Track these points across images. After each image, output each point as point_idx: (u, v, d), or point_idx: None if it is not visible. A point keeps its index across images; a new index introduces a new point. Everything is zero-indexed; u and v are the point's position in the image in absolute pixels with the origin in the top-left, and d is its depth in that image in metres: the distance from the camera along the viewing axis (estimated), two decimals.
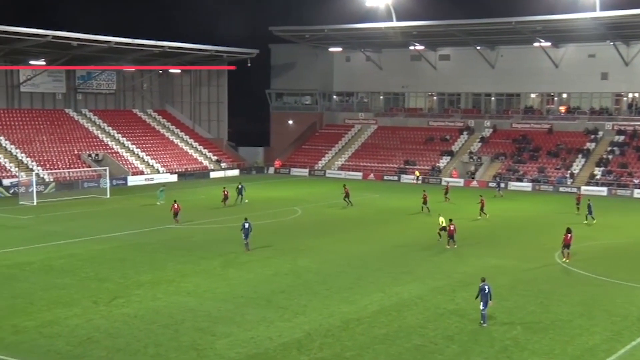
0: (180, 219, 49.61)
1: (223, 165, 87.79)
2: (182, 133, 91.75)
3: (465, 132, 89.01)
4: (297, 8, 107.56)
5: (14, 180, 65.93)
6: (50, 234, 45.24)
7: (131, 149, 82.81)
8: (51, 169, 71.59)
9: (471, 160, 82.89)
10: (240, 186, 61.47)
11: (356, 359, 23.47)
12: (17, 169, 69.00)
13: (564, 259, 38.34)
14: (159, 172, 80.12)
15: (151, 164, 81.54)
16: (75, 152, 77.21)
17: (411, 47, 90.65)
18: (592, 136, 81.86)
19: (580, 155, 79.14)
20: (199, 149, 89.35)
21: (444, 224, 43.20)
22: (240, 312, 28.10)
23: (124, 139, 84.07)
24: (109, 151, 79.67)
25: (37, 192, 60.61)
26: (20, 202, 59.47)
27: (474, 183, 77.96)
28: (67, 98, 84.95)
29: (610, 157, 77.71)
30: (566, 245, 38.36)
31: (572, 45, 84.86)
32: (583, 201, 55.35)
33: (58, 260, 37.22)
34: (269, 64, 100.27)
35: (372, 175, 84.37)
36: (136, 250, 40.38)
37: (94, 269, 35.41)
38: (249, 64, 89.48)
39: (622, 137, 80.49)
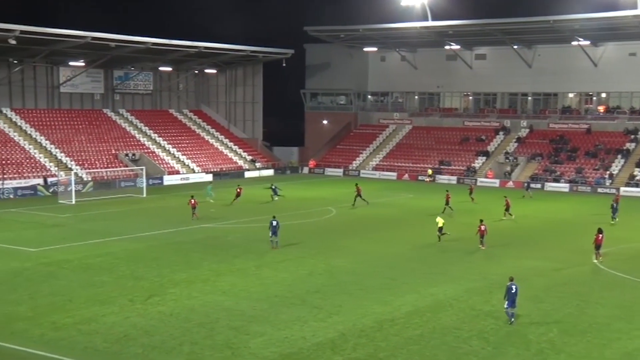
0: (198, 213, 50.85)
1: (258, 165, 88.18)
2: (218, 133, 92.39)
3: (501, 132, 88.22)
4: (332, 8, 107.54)
5: (54, 179, 67.01)
6: (88, 232, 45.86)
7: (167, 148, 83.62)
8: (89, 169, 72.59)
9: (507, 160, 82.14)
10: (273, 187, 62.39)
11: (390, 359, 23.43)
12: (56, 168, 70.09)
13: (595, 260, 38.11)
14: (194, 172, 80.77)
15: (187, 163, 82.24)
16: (113, 151, 78.20)
17: (447, 47, 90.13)
18: (632, 136, 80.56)
19: (619, 156, 77.94)
20: (234, 149, 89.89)
21: (440, 225, 43.39)
22: (275, 312, 28.20)
23: (160, 138, 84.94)
24: (146, 151, 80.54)
25: (75, 191, 61.45)
26: (59, 201, 60.40)
27: (510, 184, 77.25)
28: (105, 98, 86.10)
29: None
30: (597, 245, 38.16)
31: (611, 44, 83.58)
32: (620, 202, 54.61)
33: (95, 259, 37.73)
34: (303, 64, 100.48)
35: (406, 175, 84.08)
36: (172, 249, 40.75)
37: (131, 267, 35.82)
38: (284, 64, 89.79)
39: None
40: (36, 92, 79.88)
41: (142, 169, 70.28)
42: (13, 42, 64.50)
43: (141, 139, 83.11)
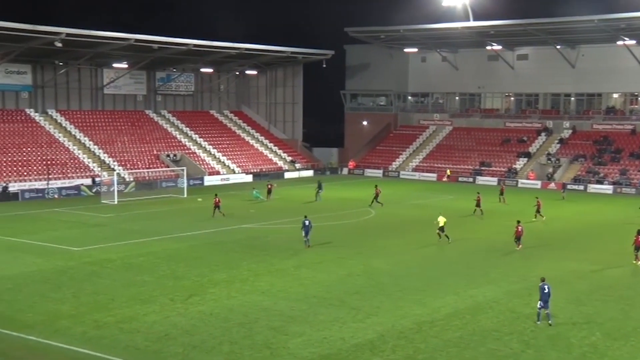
0: (223, 211, 52.50)
1: (297, 165, 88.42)
2: (258, 134, 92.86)
3: (543, 133, 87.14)
4: (372, 9, 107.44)
5: (97, 179, 68.07)
6: (130, 232, 46.48)
7: (208, 149, 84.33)
8: (131, 169, 73.56)
9: (549, 162, 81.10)
10: (320, 184, 63.84)
11: None
12: (99, 168, 71.18)
13: (635, 261, 37.70)
14: (234, 173, 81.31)
15: (227, 164, 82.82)
16: (155, 152, 79.13)
17: (488, 47, 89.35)
18: None
19: None
20: (273, 150, 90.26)
21: (441, 224, 43.20)
22: (313, 312, 28.26)
23: (201, 139, 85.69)
24: (187, 152, 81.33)
25: (117, 191, 62.33)
26: (102, 201, 61.31)
27: (552, 185, 76.25)
28: (147, 99, 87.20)
29: None
30: (637, 247, 37.76)
31: None
32: None
33: (137, 258, 38.22)
34: (344, 64, 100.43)
35: (446, 176, 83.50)
36: (212, 249, 41.09)
37: (171, 267, 36.20)
38: (324, 65, 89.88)
39: None
40: (80, 94, 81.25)
41: (183, 170, 70.99)
42: (59, 44, 65.68)
43: (182, 139, 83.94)
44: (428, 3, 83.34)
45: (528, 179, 78.82)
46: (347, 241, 43.64)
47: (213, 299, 30.07)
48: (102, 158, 74.14)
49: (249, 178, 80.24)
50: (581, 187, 74.91)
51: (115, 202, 60.07)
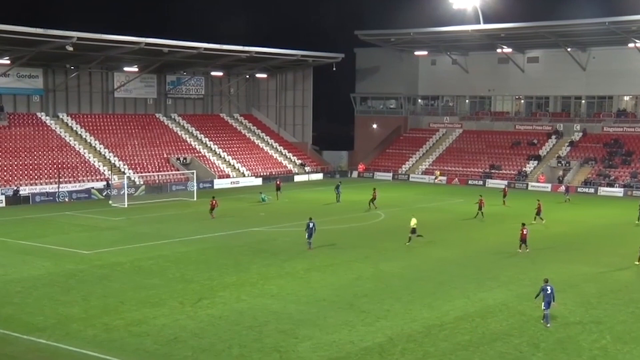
0: (215, 214, 53.49)
1: (307, 169, 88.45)
2: (268, 137, 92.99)
3: (553, 136, 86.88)
4: (383, 12, 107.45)
5: (110, 182, 68.33)
6: (140, 235, 46.60)
7: (218, 152, 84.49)
8: (142, 172, 73.79)
9: (559, 165, 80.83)
10: (338, 186, 65.65)
11: None
12: (110, 172, 71.44)
13: (637, 262, 37.97)
14: (244, 176, 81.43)
15: (237, 167, 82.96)
16: (165, 155, 79.35)
17: (498, 50, 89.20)
18: None
19: None
20: (283, 153, 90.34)
21: (413, 225, 43.40)
22: (323, 316, 28.24)
23: (211, 142, 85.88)
24: (197, 155, 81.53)
25: (128, 194, 62.56)
26: (112, 204, 61.53)
27: (562, 188, 75.92)
28: (158, 103, 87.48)
29: None
30: None
31: None
32: None
33: (147, 261, 38.31)
34: (354, 68, 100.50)
35: (456, 179, 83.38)
36: (221, 252, 41.14)
37: (181, 270, 36.26)
38: (334, 68, 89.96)
39: None
40: (91, 97, 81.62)
41: (192, 173, 71.15)
42: (70, 48, 66.02)
43: (192, 143, 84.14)
44: (438, 6, 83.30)
45: (538, 181, 78.58)
46: (357, 244, 43.63)
47: (222, 302, 30.10)
48: (113, 161, 74.41)
49: (258, 181, 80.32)
50: (592, 190, 74.64)
51: (126, 206, 60.23)
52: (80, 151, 73.96)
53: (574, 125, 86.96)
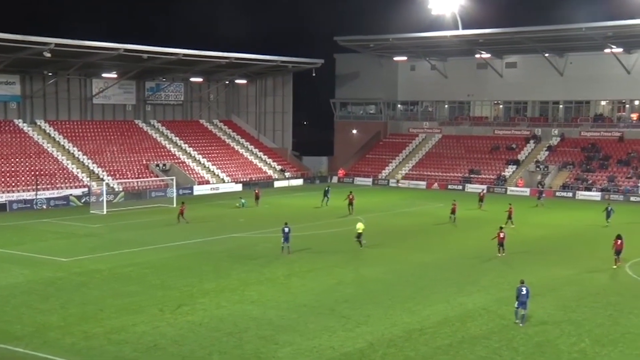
0: (186, 218, 54.11)
1: (287, 174, 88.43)
2: (247, 143, 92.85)
3: (532, 141, 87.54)
4: (362, 18, 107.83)
5: (85, 189, 67.83)
6: (119, 242, 46.30)
7: (197, 158, 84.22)
8: (121, 179, 73.36)
9: (538, 169, 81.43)
10: (327, 189, 66.69)
11: None
12: (88, 178, 70.95)
13: (615, 265, 38.46)
14: (224, 182, 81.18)
15: (217, 173, 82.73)
16: (144, 162, 78.94)
17: (477, 55, 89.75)
18: None
19: None
20: (263, 159, 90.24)
21: (360, 231, 43.95)
22: (303, 321, 28.22)
23: (191, 149, 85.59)
24: (176, 161, 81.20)
25: (107, 201, 62.13)
26: (91, 211, 61.08)
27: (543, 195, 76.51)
28: (137, 109, 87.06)
29: None
30: (617, 251, 38.60)
31: None
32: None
33: (126, 268, 38.07)
34: (333, 73, 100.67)
35: (436, 184, 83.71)
36: (201, 258, 40.98)
37: (160, 277, 36.07)
38: (314, 74, 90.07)
39: None
40: (69, 104, 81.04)
41: (172, 179, 70.85)
42: (48, 54, 65.54)
43: (172, 149, 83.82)
44: (417, 12, 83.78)
45: (517, 186, 79.09)
46: (337, 249, 43.63)
47: (202, 309, 29.97)
48: (91, 168, 73.89)
49: (238, 187, 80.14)
50: (570, 194, 75.26)
51: (104, 213, 59.84)
52: (59, 158, 73.39)
53: (552, 129, 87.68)
